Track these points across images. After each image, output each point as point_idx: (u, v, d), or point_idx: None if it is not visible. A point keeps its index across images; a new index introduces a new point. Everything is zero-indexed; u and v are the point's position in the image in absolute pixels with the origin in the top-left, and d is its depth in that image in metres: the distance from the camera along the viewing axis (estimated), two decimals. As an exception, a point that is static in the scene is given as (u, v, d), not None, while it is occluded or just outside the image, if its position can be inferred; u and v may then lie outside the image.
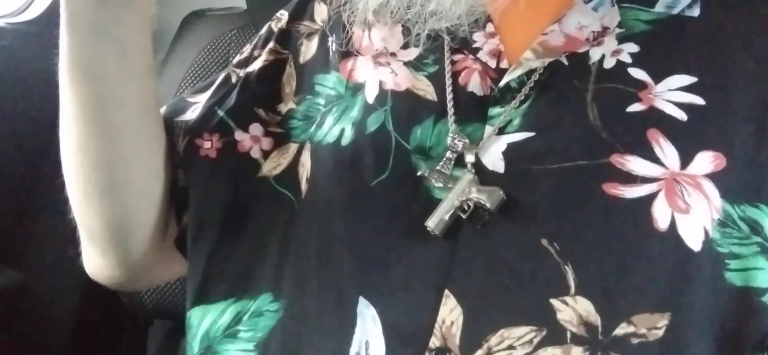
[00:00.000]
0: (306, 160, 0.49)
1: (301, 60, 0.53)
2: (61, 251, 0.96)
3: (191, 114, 0.53)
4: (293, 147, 0.50)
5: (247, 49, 0.56)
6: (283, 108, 0.52)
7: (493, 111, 0.44)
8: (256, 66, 0.54)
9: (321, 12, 0.55)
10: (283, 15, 0.56)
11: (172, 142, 0.52)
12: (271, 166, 0.50)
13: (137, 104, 0.46)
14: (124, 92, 0.45)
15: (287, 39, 0.55)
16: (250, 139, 0.51)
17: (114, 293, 0.98)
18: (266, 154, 0.51)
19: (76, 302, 0.99)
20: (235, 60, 0.56)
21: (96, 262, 0.52)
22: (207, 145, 0.51)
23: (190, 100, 0.55)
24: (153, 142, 0.49)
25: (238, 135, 0.51)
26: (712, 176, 0.40)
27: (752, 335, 0.40)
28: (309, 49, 0.54)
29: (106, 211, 0.47)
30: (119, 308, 0.97)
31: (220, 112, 0.52)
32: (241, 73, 0.54)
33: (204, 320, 0.48)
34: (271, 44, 0.55)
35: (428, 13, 0.45)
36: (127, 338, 1.08)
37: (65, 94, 0.45)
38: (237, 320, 0.47)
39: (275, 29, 0.56)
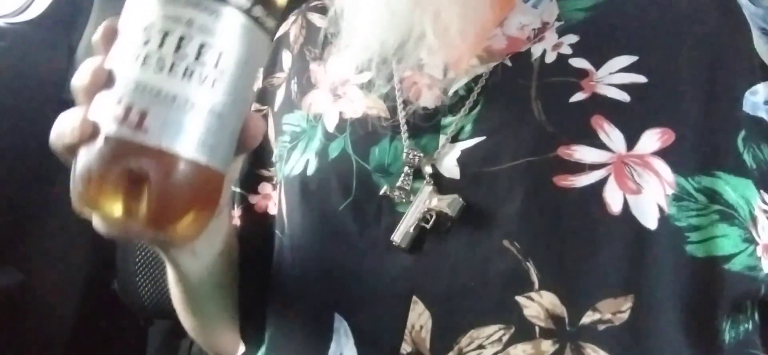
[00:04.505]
0: (283, 196, 0.51)
1: (276, 109, 0.56)
2: (61, 251, 0.96)
3: None
4: (277, 190, 0.53)
5: None
6: (275, 158, 0.55)
7: (446, 120, 0.45)
8: None
9: (287, 60, 0.57)
10: (259, 74, 0.59)
11: None
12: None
13: (213, 288, 0.52)
14: (203, 288, 0.52)
15: (264, 95, 0.57)
16: (262, 198, 0.55)
17: (114, 293, 0.98)
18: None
19: (76, 302, 0.99)
20: None
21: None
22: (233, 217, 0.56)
23: None
24: (228, 304, 0.55)
25: (252, 198, 0.56)
26: (661, 153, 0.40)
27: (722, 304, 0.40)
28: (279, 97, 0.56)
29: (200, 340, 0.59)
30: (119, 308, 0.97)
31: (233, 188, 0.55)
32: None
33: None
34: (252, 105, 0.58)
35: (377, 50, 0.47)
36: (127, 338, 1.08)
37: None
38: None
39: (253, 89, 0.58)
